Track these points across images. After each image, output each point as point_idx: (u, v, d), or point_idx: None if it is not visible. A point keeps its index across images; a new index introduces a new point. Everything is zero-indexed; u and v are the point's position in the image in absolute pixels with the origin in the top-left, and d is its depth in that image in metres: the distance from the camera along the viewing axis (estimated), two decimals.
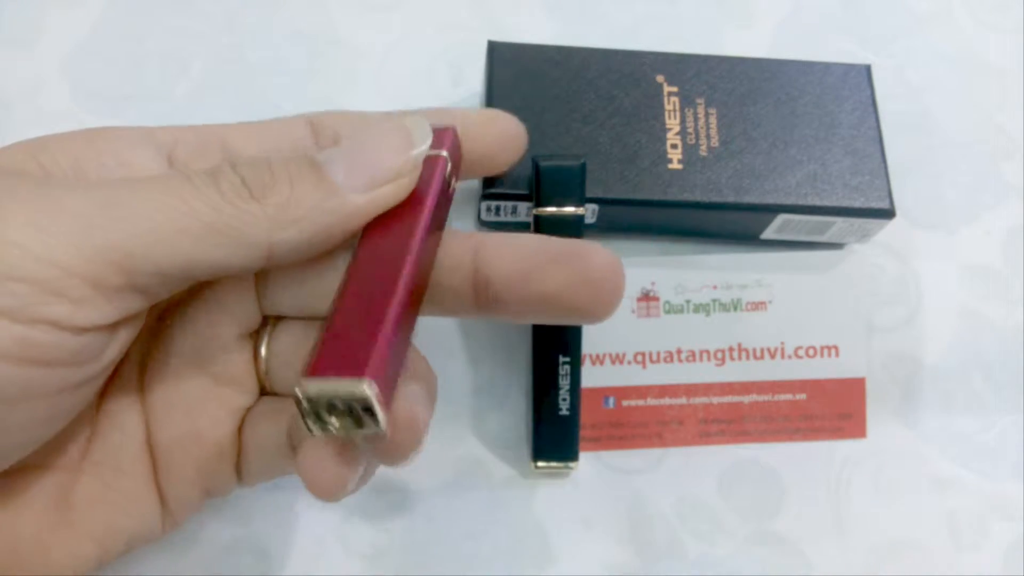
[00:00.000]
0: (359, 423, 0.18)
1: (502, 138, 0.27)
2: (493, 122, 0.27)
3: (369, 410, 0.17)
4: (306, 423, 0.18)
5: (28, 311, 0.17)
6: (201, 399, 0.23)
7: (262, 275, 0.23)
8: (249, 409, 0.24)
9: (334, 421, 0.18)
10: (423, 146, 0.21)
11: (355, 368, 0.17)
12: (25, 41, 0.35)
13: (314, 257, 0.21)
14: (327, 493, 0.19)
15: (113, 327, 0.19)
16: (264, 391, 0.24)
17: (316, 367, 0.18)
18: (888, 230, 0.33)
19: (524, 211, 0.31)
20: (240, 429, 0.24)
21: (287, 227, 0.19)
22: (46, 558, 0.21)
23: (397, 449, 0.20)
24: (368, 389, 0.17)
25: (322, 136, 0.25)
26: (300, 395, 0.17)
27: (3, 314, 0.17)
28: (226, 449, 0.23)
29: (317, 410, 0.17)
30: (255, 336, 0.24)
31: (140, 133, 0.23)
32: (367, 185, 0.20)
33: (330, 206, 0.20)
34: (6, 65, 0.35)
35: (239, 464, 0.24)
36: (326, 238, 0.20)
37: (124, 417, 0.23)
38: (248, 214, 0.19)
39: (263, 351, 0.24)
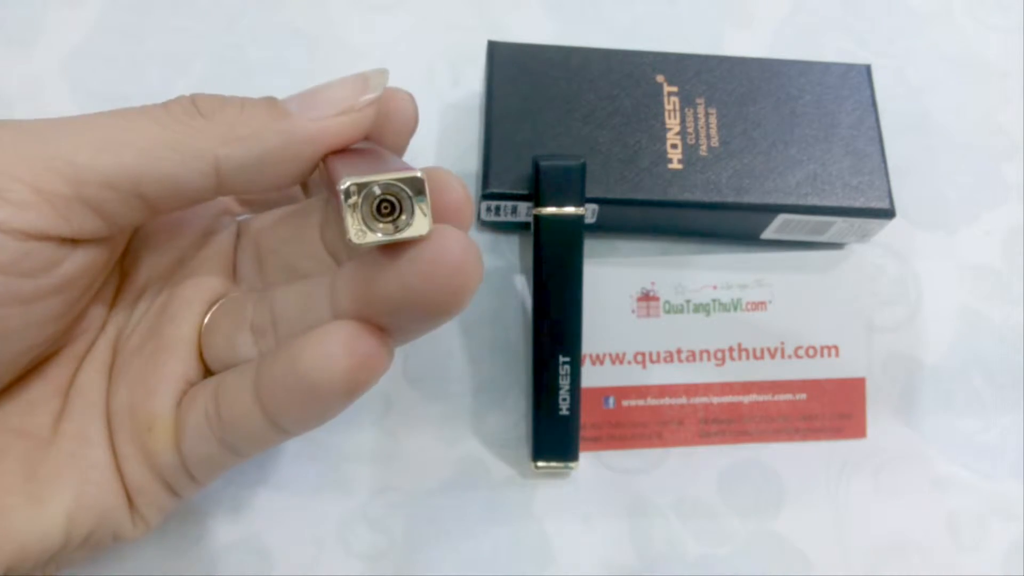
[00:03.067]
0: (399, 226, 0.18)
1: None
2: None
3: (420, 192, 0.17)
4: (348, 222, 0.17)
5: None
6: (143, 370, 0.23)
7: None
8: (193, 386, 0.23)
9: (379, 225, 0.17)
10: (378, 92, 0.21)
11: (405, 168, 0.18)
12: (25, 41, 0.35)
13: (269, 188, 0.21)
14: (362, 371, 0.19)
15: (68, 243, 0.19)
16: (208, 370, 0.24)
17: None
18: (888, 230, 0.33)
19: (524, 211, 0.31)
20: (179, 406, 0.22)
21: (234, 143, 0.20)
22: (8, 524, 0.20)
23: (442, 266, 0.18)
24: (420, 173, 0.17)
25: None
26: (348, 183, 0.17)
27: None
28: (157, 424, 0.22)
29: (362, 207, 0.17)
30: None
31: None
32: (318, 115, 0.20)
33: (279, 127, 0.20)
34: (6, 65, 0.35)
35: (179, 446, 0.22)
36: (277, 161, 0.20)
37: (93, 388, 0.23)
38: (194, 128, 0.19)
39: (205, 320, 0.24)
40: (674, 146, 0.32)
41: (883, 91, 0.34)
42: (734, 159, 0.32)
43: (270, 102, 0.20)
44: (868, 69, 0.34)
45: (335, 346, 0.19)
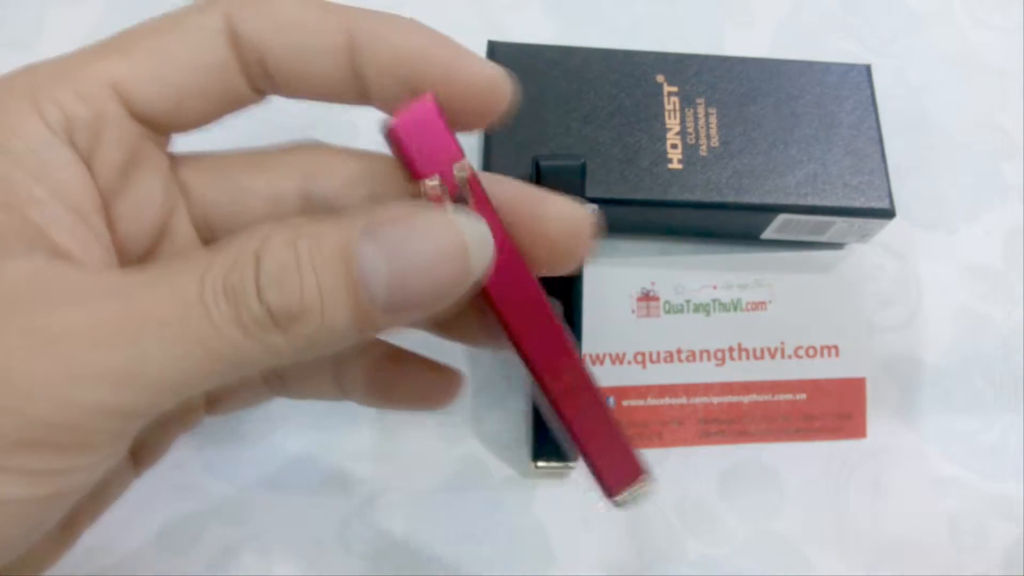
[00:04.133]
0: None
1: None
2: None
3: None
4: None
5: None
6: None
7: None
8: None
9: None
10: (479, 270, 0.18)
11: None
12: (25, 41, 0.35)
13: None
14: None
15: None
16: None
17: None
18: (888, 230, 0.33)
19: None
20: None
21: (307, 353, 0.17)
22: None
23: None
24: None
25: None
26: None
27: None
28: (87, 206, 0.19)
29: None
30: None
31: (28, 100, 0.19)
32: (406, 312, 0.17)
33: (357, 333, 0.17)
34: (6, 65, 0.34)
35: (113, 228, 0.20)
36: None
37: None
38: (271, 347, 0.17)
39: None
40: (674, 146, 0.32)
41: (883, 91, 0.34)
42: (734, 159, 0.32)
43: (354, 293, 0.16)
44: (868, 69, 0.34)
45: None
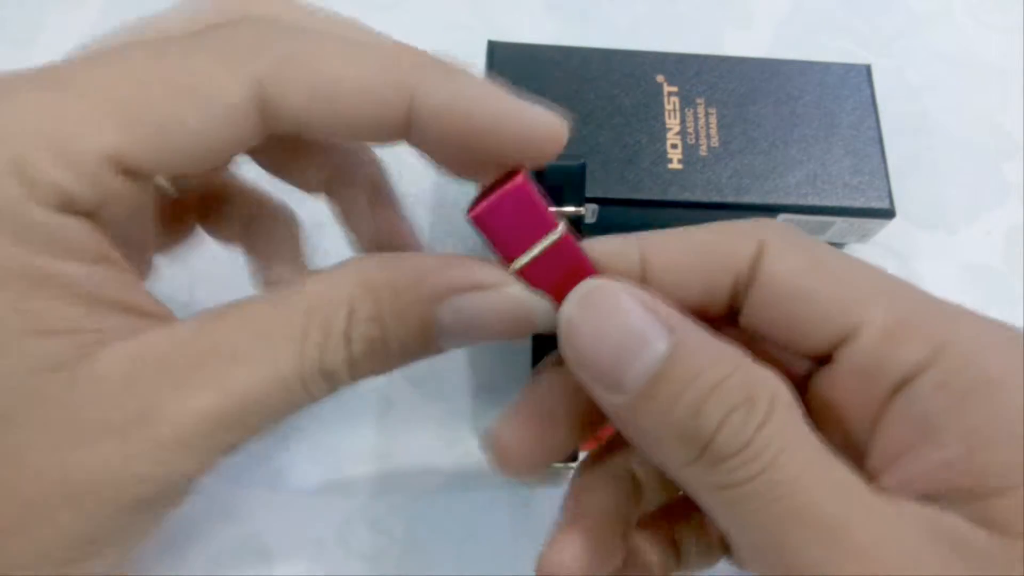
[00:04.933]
0: None
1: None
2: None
3: None
4: None
5: None
6: None
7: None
8: None
9: None
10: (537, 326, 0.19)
11: None
12: (25, 41, 0.35)
13: None
14: None
15: None
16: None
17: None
18: (888, 230, 0.33)
19: None
20: None
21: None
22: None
23: None
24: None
25: None
26: None
27: None
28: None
29: None
30: None
31: (16, 177, 0.16)
32: (464, 342, 0.19)
33: (424, 352, 0.19)
34: (6, 65, 0.35)
35: None
36: None
37: None
38: (343, 376, 0.18)
39: None
40: (674, 146, 0.32)
41: (883, 91, 0.34)
42: (734, 159, 0.32)
43: (427, 336, 0.19)
44: (868, 69, 0.34)
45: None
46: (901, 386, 0.17)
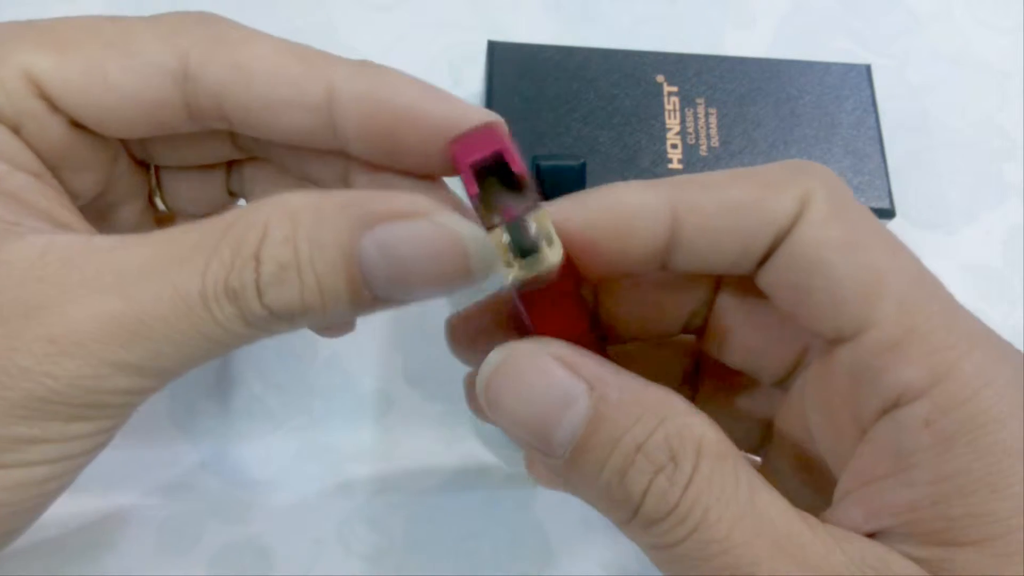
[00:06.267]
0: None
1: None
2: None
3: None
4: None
5: None
6: None
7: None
8: None
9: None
10: (481, 273, 0.17)
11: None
12: None
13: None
14: None
15: None
16: None
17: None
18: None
19: None
20: None
21: (311, 327, 0.18)
22: None
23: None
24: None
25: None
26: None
27: None
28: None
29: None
30: None
31: None
32: (406, 302, 0.17)
33: (362, 313, 0.18)
34: None
35: None
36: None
37: None
38: (275, 332, 0.17)
39: None
40: (674, 146, 0.32)
41: (883, 91, 0.34)
42: (734, 159, 0.32)
43: (355, 291, 0.17)
44: (868, 69, 0.34)
45: None
46: (891, 408, 0.17)
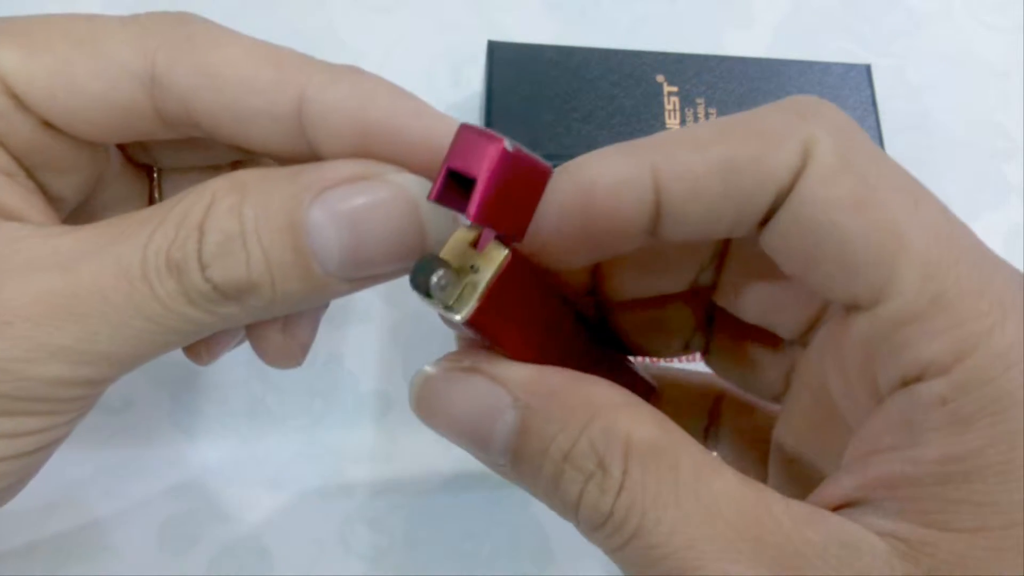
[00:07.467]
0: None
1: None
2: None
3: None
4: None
5: None
6: None
7: None
8: None
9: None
10: (435, 230, 0.17)
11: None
12: None
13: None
14: None
15: None
16: None
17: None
18: None
19: None
20: None
21: (267, 315, 0.17)
22: None
23: None
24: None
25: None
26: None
27: None
28: None
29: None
30: None
31: None
32: (365, 279, 0.17)
33: (315, 298, 0.17)
34: None
35: None
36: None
37: None
38: (224, 316, 0.16)
39: None
40: None
41: (883, 91, 0.34)
42: None
43: (304, 265, 0.16)
44: (868, 69, 0.34)
45: None
46: (911, 382, 0.15)
